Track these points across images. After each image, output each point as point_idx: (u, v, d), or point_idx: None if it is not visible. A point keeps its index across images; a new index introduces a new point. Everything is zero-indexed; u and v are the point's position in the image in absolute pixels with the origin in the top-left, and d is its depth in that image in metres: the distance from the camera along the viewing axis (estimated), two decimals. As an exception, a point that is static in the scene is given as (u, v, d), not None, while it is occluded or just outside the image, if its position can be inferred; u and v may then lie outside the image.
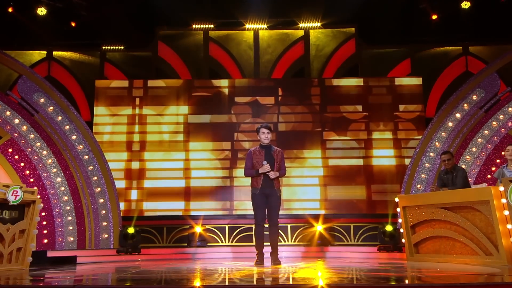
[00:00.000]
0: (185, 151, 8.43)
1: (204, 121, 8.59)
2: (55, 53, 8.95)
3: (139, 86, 8.69)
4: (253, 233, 5.19)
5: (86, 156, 7.16)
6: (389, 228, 6.92)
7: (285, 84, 8.77)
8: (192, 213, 8.17)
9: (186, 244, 7.64)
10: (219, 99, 8.68)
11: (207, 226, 7.73)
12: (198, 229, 7.45)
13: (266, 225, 5.16)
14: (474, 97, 7.21)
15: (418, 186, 7.11)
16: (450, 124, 7.23)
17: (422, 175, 7.12)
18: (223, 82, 8.78)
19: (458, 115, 7.23)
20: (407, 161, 8.00)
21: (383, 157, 8.40)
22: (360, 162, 8.40)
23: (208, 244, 7.64)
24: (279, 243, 5.21)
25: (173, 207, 8.24)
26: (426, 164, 7.16)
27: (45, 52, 8.93)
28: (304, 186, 8.33)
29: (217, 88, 8.72)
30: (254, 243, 5.16)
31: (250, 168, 5.11)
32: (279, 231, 7.54)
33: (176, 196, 8.29)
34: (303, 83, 8.74)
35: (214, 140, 8.49)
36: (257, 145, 5.21)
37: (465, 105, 7.22)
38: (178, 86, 8.74)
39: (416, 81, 8.62)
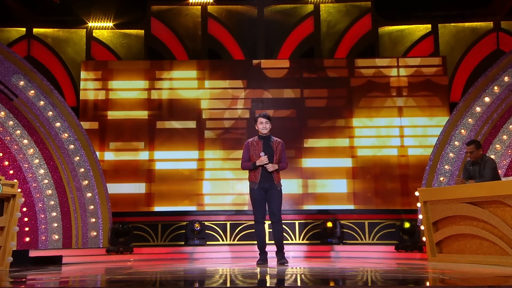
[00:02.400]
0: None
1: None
2: (35, 30, 8.88)
3: (129, 67, 8.64)
4: (254, 231, 5.18)
5: (72, 146, 7.15)
6: (406, 225, 6.90)
7: (292, 65, 8.69)
8: (191, 208, 8.19)
9: (183, 243, 7.66)
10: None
11: (206, 223, 7.75)
12: (196, 226, 7.45)
13: (268, 222, 5.17)
14: (506, 78, 7.10)
15: (441, 178, 7.06)
16: (478, 109, 7.15)
17: (446, 166, 7.07)
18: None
19: (487, 99, 7.13)
20: (429, 151, 7.94)
21: (401, 146, 8.35)
22: (375, 152, 8.34)
23: (208, 242, 7.66)
24: (285, 242, 5.22)
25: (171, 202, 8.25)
26: (450, 154, 7.10)
27: (24, 29, 8.86)
28: (313, 179, 8.32)
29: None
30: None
31: (247, 161, 5.13)
32: (285, 227, 7.66)
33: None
34: (313, 64, 8.67)
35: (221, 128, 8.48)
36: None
37: (496, 87, 7.13)
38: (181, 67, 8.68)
39: (440, 61, 8.53)
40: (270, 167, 5.02)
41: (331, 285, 3.01)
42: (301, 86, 8.57)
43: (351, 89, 8.52)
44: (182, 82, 8.62)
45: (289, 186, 8.03)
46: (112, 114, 8.47)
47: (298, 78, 8.60)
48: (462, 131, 7.15)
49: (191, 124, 8.47)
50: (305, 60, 8.77)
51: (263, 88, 8.58)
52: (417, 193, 5.98)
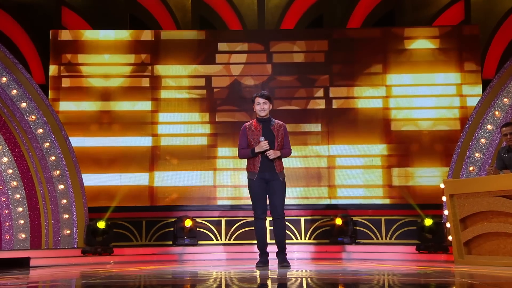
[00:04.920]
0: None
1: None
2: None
3: (108, 39, 8.59)
4: (253, 229, 5.19)
5: (41, 130, 7.13)
6: (428, 222, 6.92)
7: (298, 36, 8.63)
8: (180, 202, 8.21)
9: (171, 242, 7.69)
10: (211, 56, 8.58)
11: (197, 220, 7.76)
12: (187, 223, 7.47)
13: (270, 218, 5.18)
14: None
15: (471, 168, 7.05)
16: (516, 87, 7.09)
17: (476, 154, 7.05)
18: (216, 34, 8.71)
19: (526, 76, 7.07)
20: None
21: (424, 131, 8.34)
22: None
23: (199, 242, 7.67)
24: (289, 241, 5.25)
25: (156, 194, 8.28)
26: (482, 140, 7.07)
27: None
28: (321, 169, 8.33)
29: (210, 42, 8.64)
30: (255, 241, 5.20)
31: (245, 148, 5.12)
32: (289, 225, 7.69)
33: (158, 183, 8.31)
34: (321, 35, 8.65)
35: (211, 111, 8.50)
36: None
37: (536, 62, 7.06)
38: (158, 40, 8.65)
39: (471, 31, 8.47)
40: (272, 154, 5.00)
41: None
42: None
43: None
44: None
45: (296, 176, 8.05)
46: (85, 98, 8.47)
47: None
48: (496, 112, 7.10)
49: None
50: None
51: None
52: (442, 185, 5.96)
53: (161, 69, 8.59)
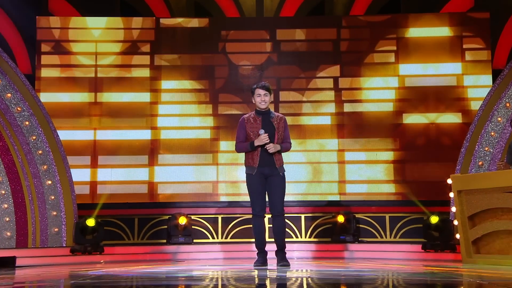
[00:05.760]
0: (151, 116, 8.42)
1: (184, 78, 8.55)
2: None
3: (98, 27, 8.55)
4: (251, 227, 5.20)
5: (27, 122, 7.10)
6: (434, 219, 6.92)
7: (305, 24, 8.61)
8: (173, 199, 8.22)
9: (165, 241, 7.69)
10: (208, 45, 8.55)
11: (192, 217, 7.77)
12: (181, 220, 7.48)
13: (269, 215, 5.18)
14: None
15: (480, 162, 7.06)
16: (528, 77, 7.08)
17: (486, 148, 7.06)
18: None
19: (539, 65, 7.07)
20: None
21: (431, 122, 8.35)
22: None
23: (195, 240, 7.68)
24: (289, 239, 5.26)
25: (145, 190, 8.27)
26: (492, 133, 7.07)
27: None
28: (322, 163, 8.35)
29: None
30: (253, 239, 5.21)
31: (243, 141, 5.11)
32: (289, 222, 7.69)
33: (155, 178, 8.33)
34: (324, 23, 8.62)
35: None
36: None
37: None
38: (151, 28, 8.62)
39: (482, 17, 8.44)
40: (272, 148, 5.00)
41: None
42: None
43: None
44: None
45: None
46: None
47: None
48: (507, 104, 7.10)
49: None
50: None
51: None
52: (449, 181, 5.96)
53: (159, 59, 8.55)
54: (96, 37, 8.57)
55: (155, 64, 8.57)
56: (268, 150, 5.01)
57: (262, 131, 5.00)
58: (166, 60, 8.58)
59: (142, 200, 8.23)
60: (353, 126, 8.45)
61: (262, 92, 5.11)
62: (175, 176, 8.32)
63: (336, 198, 8.24)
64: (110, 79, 8.53)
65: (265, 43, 8.64)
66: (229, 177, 8.33)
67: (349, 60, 8.59)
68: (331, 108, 8.47)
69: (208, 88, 8.55)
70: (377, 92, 8.51)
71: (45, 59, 8.47)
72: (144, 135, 8.42)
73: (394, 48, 8.56)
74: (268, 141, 4.99)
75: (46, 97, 8.22)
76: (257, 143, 5.00)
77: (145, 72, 8.54)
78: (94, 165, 8.32)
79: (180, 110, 8.49)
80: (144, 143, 8.40)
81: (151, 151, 8.39)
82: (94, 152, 8.36)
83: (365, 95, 8.51)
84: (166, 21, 8.68)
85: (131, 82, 8.54)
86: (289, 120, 8.17)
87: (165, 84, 8.53)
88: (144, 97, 8.50)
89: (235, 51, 8.61)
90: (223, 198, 8.29)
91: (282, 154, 5.19)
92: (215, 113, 8.48)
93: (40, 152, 7.13)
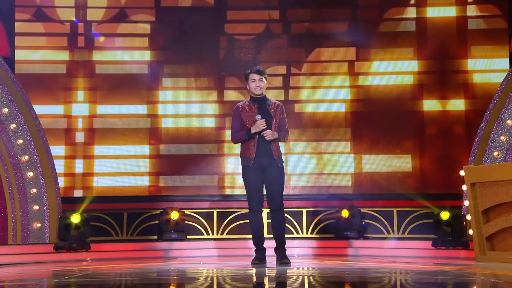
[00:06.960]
0: (147, 104, 8.39)
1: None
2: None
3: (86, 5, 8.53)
4: (248, 222, 5.22)
5: (6, 109, 7.10)
6: (444, 215, 6.93)
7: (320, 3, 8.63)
8: (165, 193, 8.24)
9: (156, 237, 7.70)
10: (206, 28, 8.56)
11: (185, 212, 7.78)
12: (173, 215, 7.49)
13: (267, 210, 5.19)
14: None
15: (495, 153, 7.07)
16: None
17: (502, 138, 7.06)
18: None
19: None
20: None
21: (444, 110, 8.36)
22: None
23: (188, 236, 7.70)
24: (289, 235, 5.27)
25: (138, 183, 8.27)
26: (508, 121, 7.07)
27: None
28: (328, 154, 8.35)
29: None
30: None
31: (239, 130, 5.12)
32: (289, 217, 7.70)
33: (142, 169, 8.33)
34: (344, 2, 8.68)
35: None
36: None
37: None
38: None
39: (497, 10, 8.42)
40: (269, 135, 5.00)
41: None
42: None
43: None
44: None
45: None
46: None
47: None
48: (525, 90, 7.09)
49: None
50: None
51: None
52: (462, 173, 5.95)
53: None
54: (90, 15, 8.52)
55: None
56: (265, 137, 5.00)
57: (259, 117, 4.99)
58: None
59: (132, 193, 8.22)
60: (363, 115, 8.43)
61: (257, 77, 5.09)
62: (167, 167, 8.32)
63: (340, 191, 8.24)
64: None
65: (276, 24, 8.58)
66: (225, 169, 8.33)
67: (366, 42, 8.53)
68: (341, 94, 8.46)
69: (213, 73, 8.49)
70: (396, 78, 8.48)
71: (24, 41, 8.40)
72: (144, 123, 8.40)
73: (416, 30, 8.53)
74: (265, 126, 4.99)
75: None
76: (253, 129, 5.00)
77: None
78: (79, 155, 8.30)
79: (183, 97, 8.48)
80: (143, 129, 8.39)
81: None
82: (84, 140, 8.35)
83: (383, 79, 8.47)
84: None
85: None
86: (293, 107, 8.21)
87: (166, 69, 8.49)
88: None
89: (243, 32, 8.56)
90: (218, 192, 8.28)
91: (280, 144, 5.18)
92: (220, 100, 8.44)
93: (20, 141, 7.11)
